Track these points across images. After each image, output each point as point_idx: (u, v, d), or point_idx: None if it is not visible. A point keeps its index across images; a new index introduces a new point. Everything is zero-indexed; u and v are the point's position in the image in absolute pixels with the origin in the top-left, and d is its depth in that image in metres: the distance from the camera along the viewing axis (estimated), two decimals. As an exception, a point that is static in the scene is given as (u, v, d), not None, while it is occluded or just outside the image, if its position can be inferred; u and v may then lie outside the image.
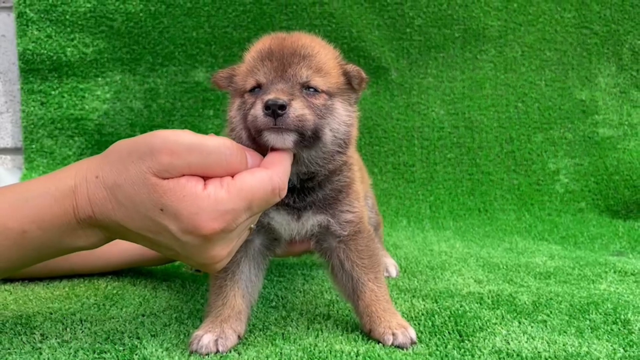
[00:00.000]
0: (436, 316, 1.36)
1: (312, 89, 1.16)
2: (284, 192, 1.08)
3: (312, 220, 1.25)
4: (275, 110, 1.06)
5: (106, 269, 1.69)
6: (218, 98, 2.79)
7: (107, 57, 2.75)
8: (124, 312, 1.36)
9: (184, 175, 0.98)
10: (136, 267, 1.78)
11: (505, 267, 1.88)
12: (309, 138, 1.12)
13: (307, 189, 1.23)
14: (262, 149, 1.10)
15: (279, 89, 1.10)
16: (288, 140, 1.09)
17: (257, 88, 1.16)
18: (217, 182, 1.00)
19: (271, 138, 1.09)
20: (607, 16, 2.87)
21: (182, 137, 0.98)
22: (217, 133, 2.66)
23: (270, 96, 1.07)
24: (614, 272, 1.81)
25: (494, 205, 2.64)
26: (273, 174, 1.05)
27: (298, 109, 1.09)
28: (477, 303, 1.46)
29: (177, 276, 1.75)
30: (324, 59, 1.22)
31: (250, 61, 1.21)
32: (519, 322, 1.30)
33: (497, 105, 2.82)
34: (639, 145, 2.74)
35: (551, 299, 1.49)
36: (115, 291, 1.55)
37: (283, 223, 1.23)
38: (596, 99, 2.86)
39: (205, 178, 1.01)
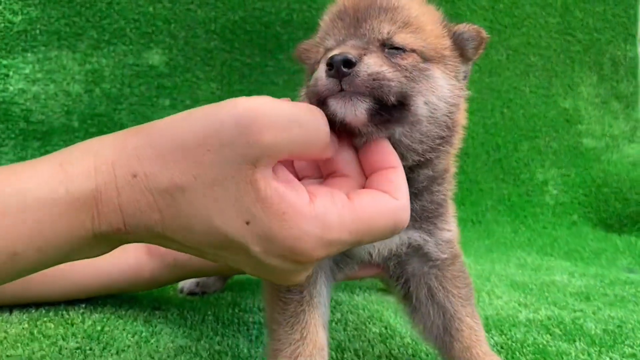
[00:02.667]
0: (517, 353, 1.11)
1: (398, 49, 0.87)
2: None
3: (401, 238, 0.94)
4: (339, 67, 0.77)
5: (72, 295, 1.25)
6: (176, 86, 2.38)
7: (40, 29, 2.25)
8: None
9: (279, 165, 0.72)
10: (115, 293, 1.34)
11: (535, 286, 1.69)
12: (392, 107, 0.81)
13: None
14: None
15: (348, 44, 0.83)
16: (360, 108, 0.79)
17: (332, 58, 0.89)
18: (327, 196, 0.72)
19: (337, 107, 0.79)
20: (590, 24, 2.79)
21: (275, 103, 0.69)
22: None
23: (334, 52, 0.79)
24: (648, 292, 1.67)
25: (486, 216, 2.43)
26: (402, 207, 0.77)
27: (372, 65, 0.80)
28: (547, 334, 1.27)
29: (168, 302, 1.33)
30: (415, 12, 0.92)
31: (322, 27, 0.93)
32: (610, 358, 1.12)
33: (482, 110, 2.64)
34: (622, 158, 2.66)
35: (619, 326, 1.33)
36: (100, 328, 1.11)
37: None
38: (579, 109, 2.77)
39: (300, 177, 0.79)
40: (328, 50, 0.87)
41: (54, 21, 2.26)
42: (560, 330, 1.27)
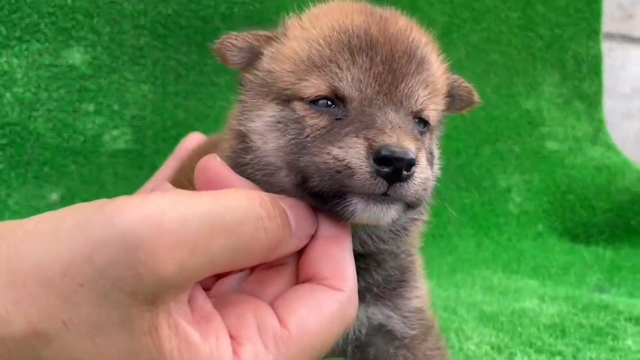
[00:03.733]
0: None
1: (422, 124, 0.73)
2: None
3: (359, 317, 0.74)
4: (400, 170, 0.61)
5: None
6: (101, 88, 2.09)
7: (-64, 24, 1.94)
8: None
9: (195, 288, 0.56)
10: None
11: (506, 318, 1.53)
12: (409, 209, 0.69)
13: (361, 270, 0.72)
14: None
15: (395, 122, 0.65)
16: (390, 216, 0.65)
17: (330, 101, 0.69)
18: (256, 339, 0.55)
19: (365, 211, 0.63)
20: (552, 19, 2.65)
21: (180, 206, 0.51)
22: (98, 136, 1.98)
23: (389, 138, 0.61)
24: (624, 319, 1.55)
25: (448, 229, 2.26)
26: (349, 302, 0.62)
27: (425, 169, 0.65)
28: None
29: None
30: (439, 69, 0.78)
31: (318, 43, 0.70)
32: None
33: (441, 112, 2.46)
34: (586, 162, 2.54)
35: None
36: None
37: None
38: (542, 109, 2.63)
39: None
40: (341, 96, 0.68)
41: (-47, 15, 1.95)
42: (543, 387, 1.11)
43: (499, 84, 2.59)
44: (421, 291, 0.83)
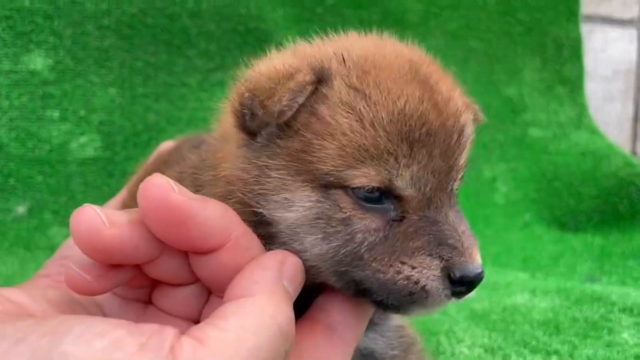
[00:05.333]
0: None
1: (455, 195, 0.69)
2: None
3: None
4: (470, 289, 0.61)
5: None
6: (66, 94, 1.99)
7: None
8: None
9: None
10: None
11: (497, 316, 1.47)
12: None
13: None
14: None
15: (460, 229, 0.62)
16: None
17: (379, 193, 0.61)
18: None
19: (420, 312, 0.62)
20: (531, 4, 2.60)
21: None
22: (65, 144, 1.88)
23: (466, 260, 0.59)
24: (619, 310, 1.49)
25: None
26: (349, 351, 0.60)
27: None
28: None
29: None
30: (471, 126, 0.73)
31: (372, 126, 0.60)
32: None
33: (422, 103, 2.39)
34: (570, 148, 2.49)
35: None
36: None
37: None
38: (523, 96, 2.57)
39: None
40: (396, 193, 0.61)
41: None
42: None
43: (480, 72, 2.53)
44: None
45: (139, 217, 0.54)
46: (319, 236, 0.60)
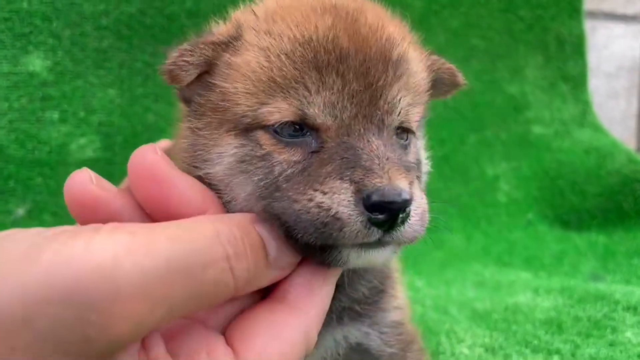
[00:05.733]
0: None
1: (404, 134, 0.66)
2: None
3: (335, 340, 0.67)
4: (395, 218, 0.54)
5: None
6: (65, 95, 1.99)
7: None
8: None
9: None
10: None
11: (499, 315, 1.46)
12: None
13: (338, 286, 0.65)
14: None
15: (380, 152, 0.57)
16: (384, 256, 0.59)
17: (298, 126, 0.60)
18: None
19: (357, 258, 0.57)
20: (532, 0, 2.56)
21: (134, 247, 0.43)
22: (64, 145, 1.88)
23: (378, 180, 0.54)
24: (622, 309, 1.47)
25: (437, 221, 2.17)
26: (312, 324, 0.56)
27: (421, 202, 0.59)
28: None
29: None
30: (419, 64, 0.70)
31: (279, 58, 0.61)
32: None
33: (423, 102, 2.37)
34: (574, 145, 2.46)
35: None
36: None
37: None
38: (526, 93, 2.55)
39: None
40: (312, 124, 0.59)
41: None
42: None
43: (482, 70, 2.50)
44: (400, 300, 0.77)
45: (127, 187, 0.58)
46: (244, 177, 0.60)
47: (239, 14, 0.71)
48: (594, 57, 2.80)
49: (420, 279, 1.77)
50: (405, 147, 0.65)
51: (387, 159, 0.56)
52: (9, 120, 1.93)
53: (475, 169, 2.36)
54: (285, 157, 0.59)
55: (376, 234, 0.55)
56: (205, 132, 0.64)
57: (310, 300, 0.57)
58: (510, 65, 2.54)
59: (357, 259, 0.57)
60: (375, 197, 0.53)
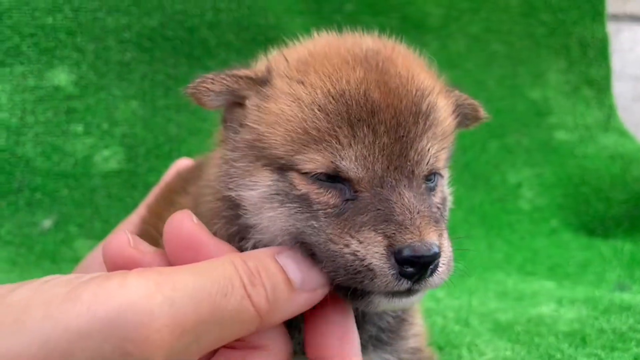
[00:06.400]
0: None
1: (431, 176, 0.68)
2: None
3: None
4: (425, 271, 0.57)
5: None
6: (89, 108, 2.03)
7: None
8: None
9: None
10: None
11: (520, 327, 1.43)
12: None
13: (366, 316, 0.70)
14: None
15: (412, 206, 0.59)
16: (413, 301, 0.63)
17: (331, 179, 0.62)
18: None
19: (388, 304, 0.60)
20: (554, 4, 2.54)
21: (165, 284, 0.48)
22: (89, 157, 1.91)
23: (410, 236, 0.56)
24: (649, 320, 1.43)
25: (458, 231, 2.13)
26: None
27: (448, 251, 0.62)
28: None
29: None
30: (445, 110, 0.71)
31: (312, 111, 0.63)
32: None
33: (444, 109, 2.36)
34: (599, 151, 2.42)
35: None
36: None
37: None
38: (548, 98, 2.52)
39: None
40: (346, 176, 0.61)
41: None
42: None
43: (503, 75, 2.48)
44: (418, 327, 0.77)
45: (162, 251, 0.61)
46: (278, 204, 0.62)
47: (270, 57, 0.74)
48: (618, 60, 2.76)
49: (441, 289, 1.76)
50: (432, 189, 0.67)
51: (418, 213, 0.58)
52: (35, 133, 1.98)
53: (497, 176, 2.34)
54: (324, 199, 0.61)
55: (406, 284, 0.57)
56: (241, 164, 0.67)
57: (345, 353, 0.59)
58: (531, 70, 2.52)
59: (387, 304, 0.60)
60: (406, 253, 0.55)
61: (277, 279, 0.55)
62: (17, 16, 1.96)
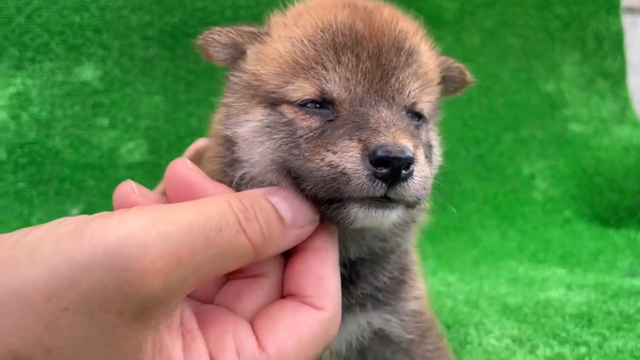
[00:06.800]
0: None
1: (416, 117, 0.71)
2: None
3: (359, 325, 0.72)
4: (399, 170, 0.58)
5: None
6: (114, 102, 2.11)
7: (-48, 51, 1.99)
8: None
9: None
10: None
11: (530, 310, 1.47)
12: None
13: (361, 276, 0.70)
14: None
15: (389, 120, 0.62)
16: (392, 219, 0.63)
17: (318, 104, 0.67)
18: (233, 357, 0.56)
19: (365, 215, 0.61)
20: (568, -3, 2.56)
21: (160, 220, 0.51)
22: (114, 150, 2.00)
23: (384, 138, 0.59)
24: (657, 304, 1.46)
25: (471, 221, 2.20)
26: (331, 321, 0.61)
27: (424, 167, 0.62)
28: None
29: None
30: (430, 58, 0.76)
31: (302, 44, 0.69)
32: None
33: (458, 102, 2.39)
34: (613, 142, 2.44)
35: None
36: None
37: None
38: (563, 91, 2.54)
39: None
40: (329, 99, 0.66)
41: (-33, 41, 2.00)
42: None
43: (517, 68, 2.51)
44: (419, 291, 0.82)
45: (163, 190, 0.66)
46: (266, 137, 0.67)
47: (272, 16, 0.80)
48: (635, 53, 2.76)
49: (453, 275, 1.80)
50: (417, 127, 0.70)
51: (394, 124, 0.61)
52: (63, 126, 2.07)
53: (511, 167, 2.37)
54: (307, 124, 0.66)
55: (381, 188, 0.59)
56: (238, 104, 0.73)
57: (326, 298, 0.62)
58: (546, 63, 2.54)
59: (365, 218, 0.61)
60: (379, 153, 0.58)
61: (270, 216, 0.59)
62: (46, 15, 2.05)
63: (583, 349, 1.20)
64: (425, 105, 0.72)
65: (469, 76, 0.82)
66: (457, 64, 0.82)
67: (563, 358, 1.14)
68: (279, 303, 0.63)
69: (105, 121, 2.11)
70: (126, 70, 2.13)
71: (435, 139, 0.78)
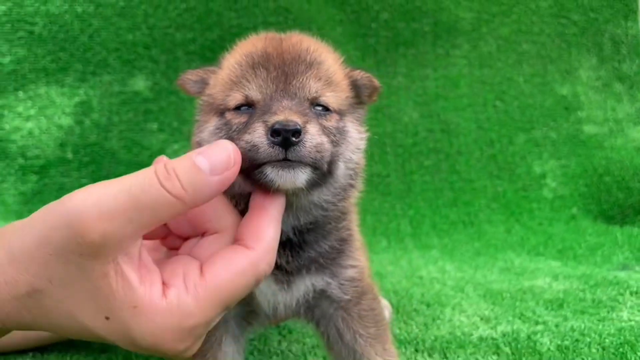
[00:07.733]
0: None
1: (321, 108, 0.90)
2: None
3: (305, 286, 0.95)
4: (288, 137, 0.78)
5: (21, 346, 1.29)
6: (162, 109, 2.43)
7: (29, 67, 2.35)
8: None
9: (142, 247, 0.74)
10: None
11: (509, 294, 1.64)
12: (322, 174, 0.86)
13: (307, 242, 0.93)
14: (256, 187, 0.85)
15: (286, 106, 0.83)
16: (301, 178, 0.81)
17: (246, 106, 0.88)
18: (180, 283, 0.74)
19: (277, 176, 0.80)
20: (585, 4, 2.66)
21: (105, 188, 0.68)
22: (162, 150, 2.30)
23: (278, 117, 0.79)
24: (630, 293, 1.60)
25: (479, 216, 2.37)
26: (259, 258, 0.77)
27: (315, 136, 0.82)
28: (494, 354, 1.22)
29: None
30: (333, 67, 0.95)
31: (234, 68, 0.92)
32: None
33: (473, 105, 2.56)
34: (627, 143, 2.53)
35: (577, 340, 1.29)
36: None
37: (267, 294, 0.95)
38: (578, 94, 2.65)
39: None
40: (251, 101, 0.89)
41: (40, 59, 2.35)
42: (510, 349, 1.24)
43: (533, 73, 2.64)
44: (357, 262, 1.01)
45: None
46: (216, 135, 0.89)
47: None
48: (656, 56, 2.82)
49: (452, 264, 1.98)
50: (322, 115, 0.89)
51: (290, 109, 0.83)
52: (119, 130, 2.40)
53: (523, 167, 2.51)
54: (238, 120, 0.88)
55: (280, 152, 0.79)
56: (203, 118, 0.95)
57: (257, 241, 0.79)
58: (562, 67, 2.65)
59: (278, 177, 0.80)
60: (275, 127, 0.79)
61: (190, 171, 0.72)
62: (104, 34, 2.39)
63: (540, 327, 1.37)
64: (330, 99, 0.91)
65: (376, 82, 0.99)
66: (365, 74, 0.99)
67: (517, 334, 1.31)
68: (225, 247, 0.81)
69: (154, 126, 2.43)
70: (172, 81, 2.43)
71: (352, 128, 0.94)
